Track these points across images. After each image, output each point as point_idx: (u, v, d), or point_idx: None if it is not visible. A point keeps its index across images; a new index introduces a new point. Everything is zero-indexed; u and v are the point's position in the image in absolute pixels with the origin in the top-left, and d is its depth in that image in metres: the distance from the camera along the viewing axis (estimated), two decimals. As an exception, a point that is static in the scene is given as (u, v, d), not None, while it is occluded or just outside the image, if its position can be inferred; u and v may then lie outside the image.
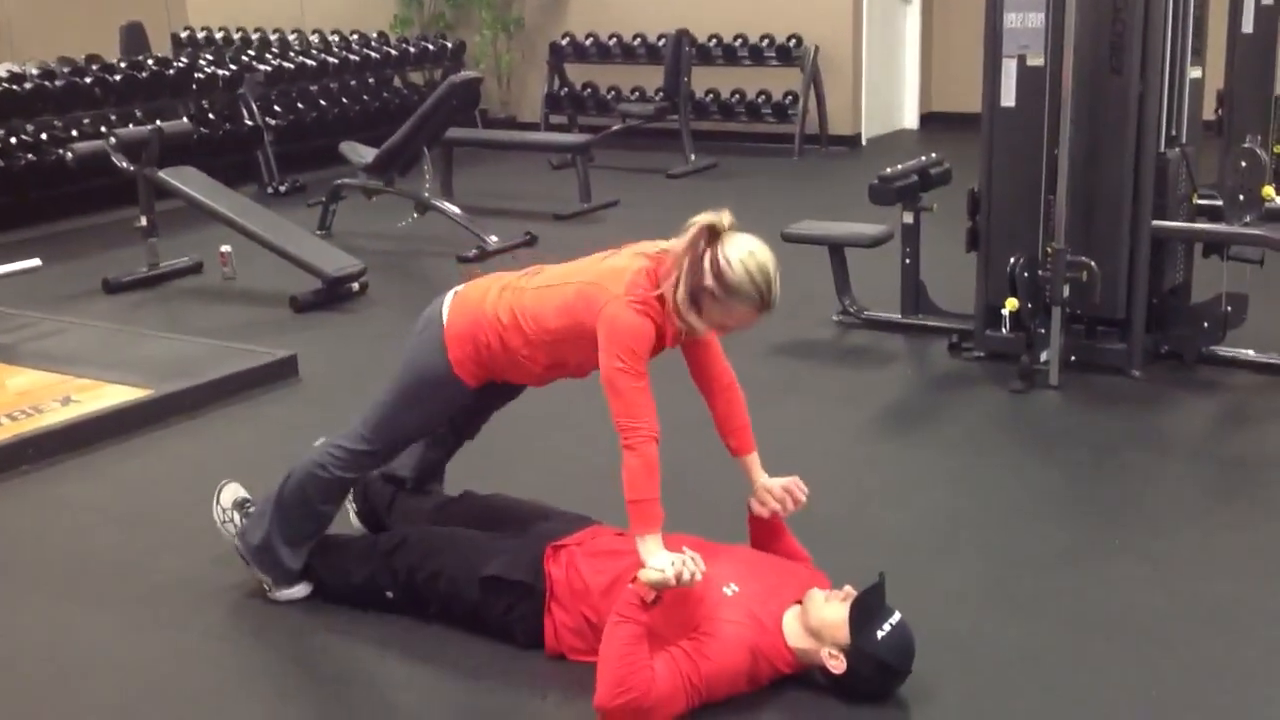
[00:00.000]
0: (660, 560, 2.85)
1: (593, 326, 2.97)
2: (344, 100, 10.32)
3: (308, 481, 3.36)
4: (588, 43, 11.21)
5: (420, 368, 3.24)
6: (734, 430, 3.26)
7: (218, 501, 3.60)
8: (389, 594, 3.32)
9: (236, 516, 3.55)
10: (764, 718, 2.90)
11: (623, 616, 2.86)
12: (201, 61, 9.71)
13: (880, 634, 2.86)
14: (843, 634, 2.87)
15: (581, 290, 3.04)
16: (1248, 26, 5.66)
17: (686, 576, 2.83)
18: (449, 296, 3.26)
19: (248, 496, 3.60)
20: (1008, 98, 5.03)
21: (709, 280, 2.90)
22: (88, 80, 8.68)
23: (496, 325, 3.13)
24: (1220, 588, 3.47)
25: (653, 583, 2.84)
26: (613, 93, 11.14)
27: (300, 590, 3.45)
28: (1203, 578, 3.53)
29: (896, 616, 2.89)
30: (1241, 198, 4.87)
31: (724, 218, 2.96)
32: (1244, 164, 4.82)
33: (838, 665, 2.88)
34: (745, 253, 2.92)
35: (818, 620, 2.91)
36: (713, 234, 2.93)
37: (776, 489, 3.21)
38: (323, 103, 10.17)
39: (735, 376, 3.27)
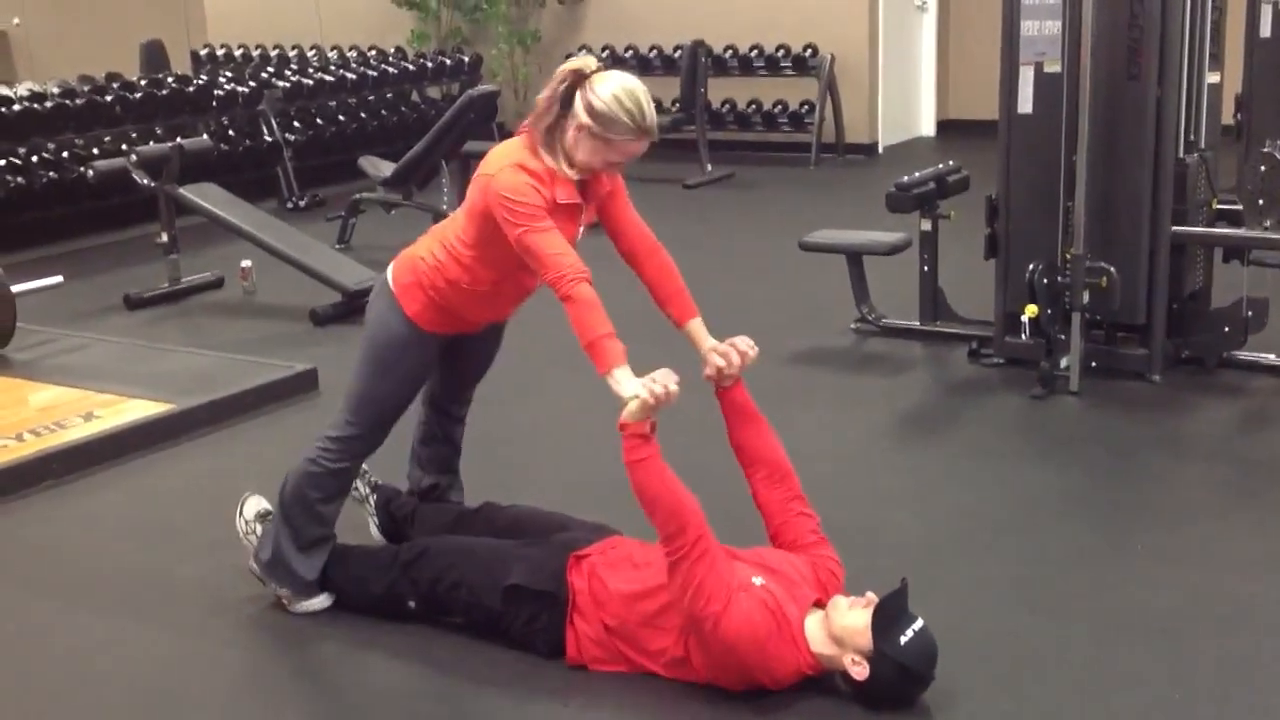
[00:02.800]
0: (631, 387, 2.90)
1: (493, 214, 3.06)
2: (362, 115, 10.36)
3: (303, 481, 3.39)
4: (604, 55, 11.21)
5: (381, 334, 3.30)
6: (669, 296, 3.26)
7: (241, 514, 3.62)
8: (410, 604, 3.33)
9: (259, 528, 3.57)
10: (786, 725, 2.90)
11: (635, 459, 2.91)
12: (221, 78, 9.77)
13: (903, 640, 2.85)
14: (865, 640, 2.87)
15: (475, 185, 3.15)
16: (1265, 31, 5.66)
17: (660, 391, 2.86)
18: (390, 264, 3.37)
19: (270, 509, 3.62)
20: (1025, 104, 5.03)
21: (584, 118, 3.01)
22: (108, 98, 8.74)
23: (433, 263, 3.24)
24: (1243, 588, 3.46)
25: (633, 413, 2.88)
26: (629, 104, 11.15)
27: (321, 602, 3.46)
28: (1225, 579, 3.52)
29: (919, 623, 2.89)
30: (1261, 202, 4.85)
31: (589, 61, 3.07)
32: (1263, 168, 4.80)
33: (861, 672, 2.87)
34: (614, 84, 3.02)
35: (840, 627, 2.91)
36: (579, 77, 3.04)
37: (721, 346, 3.19)
38: (341, 118, 10.21)
39: (659, 242, 3.29)
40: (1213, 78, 5.05)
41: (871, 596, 2.96)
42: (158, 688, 3.20)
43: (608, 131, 3.02)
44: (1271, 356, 5.08)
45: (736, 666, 2.91)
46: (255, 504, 3.64)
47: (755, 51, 10.71)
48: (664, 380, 2.89)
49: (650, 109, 3.05)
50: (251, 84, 9.69)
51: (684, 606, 2.90)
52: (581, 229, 3.21)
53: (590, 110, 3.01)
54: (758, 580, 2.98)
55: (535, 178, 3.06)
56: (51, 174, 8.26)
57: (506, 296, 3.31)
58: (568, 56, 11.33)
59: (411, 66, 10.91)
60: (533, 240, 3.01)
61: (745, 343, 3.20)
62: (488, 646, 3.23)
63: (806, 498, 3.25)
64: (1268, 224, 4.85)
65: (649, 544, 3.14)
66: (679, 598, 2.90)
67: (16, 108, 8.27)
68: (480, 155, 9.50)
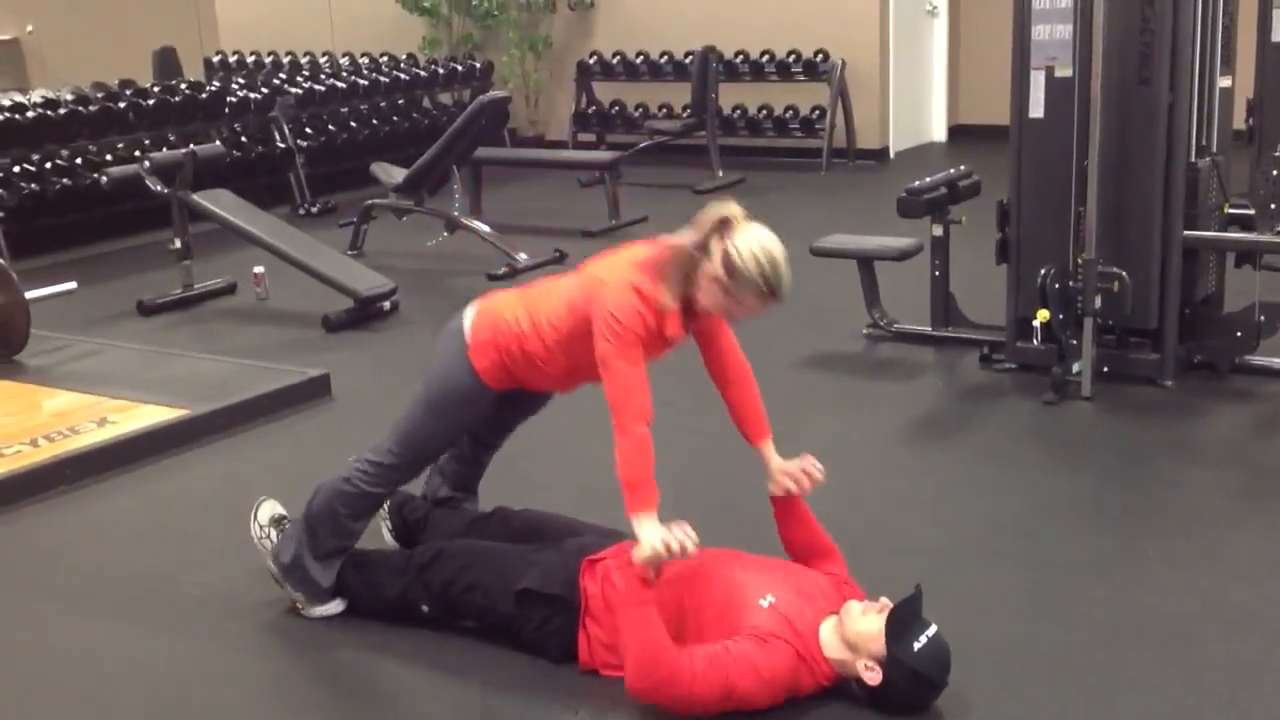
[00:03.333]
0: (650, 535, 2.88)
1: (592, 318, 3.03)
2: (374, 121, 10.38)
3: (335, 497, 3.39)
4: (615, 61, 11.25)
5: (446, 380, 3.29)
6: (748, 418, 3.28)
7: (255, 518, 3.63)
8: (424, 608, 3.34)
9: (273, 533, 3.58)
10: (799, 730, 2.90)
11: (629, 600, 2.91)
12: (234, 85, 9.81)
13: (917, 646, 2.85)
14: (879, 646, 2.87)
15: (583, 284, 3.11)
16: (1277, 35, 5.66)
17: (676, 547, 2.85)
18: (470, 310, 3.32)
19: (285, 513, 3.63)
20: (1036, 109, 5.03)
21: (718, 269, 2.95)
22: (121, 105, 8.77)
23: (516, 331, 3.20)
24: (1255, 594, 3.45)
25: (645, 559, 2.87)
26: (640, 110, 11.18)
27: (334, 606, 3.47)
28: (1237, 584, 3.51)
29: (933, 629, 2.89)
30: (1273, 206, 4.85)
31: (734, 208, 3.00)
32: (1275, 173, 4.80)
33: (874, 677, 2.88)
34: (755, 243, 2.96)
35: (854, 632, 2.91)
36: (724, 224, 2.97)
37: (792, 469, 3.22)
38: (353, 124, 10.24)
39: (749, 367, 3.29)
40: (1224, 82, 5.04)
41: (885, 602, 2.96)
42: (171, 693, 3.21)
43: (738, 289, 2.96)
44: (1284, 361, 5.08)
45: (763, 704, 2.92)
46: (270, 509, 3.65)
47: (766, 57, 10.71)
48: (682, 539, 2.88)
49: (787, 275, 2.98)
50: (264, 90, 9.72)
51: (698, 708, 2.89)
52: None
53: (727, 264, 2.94)
54: (765, 601, 2.98)
55: (647, 305, 3.00)
56: (65, 180, 8.29)
57: (576, 382, 3.29)
58: (578, 64, 11.43)
59: (423, 73, 10.94)
60: (617, 364, 2.97)
61: (813, 465, 3.23)
62: (500, 650, 3.24)
63: (846, 567, 3.26)
64: (1279, 228, 4.84)
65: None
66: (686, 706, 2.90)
67: (30, 114, 8.31)
68: (491, 162, 9.53)
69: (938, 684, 2.90)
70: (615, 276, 3.04)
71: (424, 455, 3.42)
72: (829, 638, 2.96)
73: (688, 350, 3.27)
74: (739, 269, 2.93)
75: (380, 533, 3.75)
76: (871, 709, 2.92)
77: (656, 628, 2.88)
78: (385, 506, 3.74)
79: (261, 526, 3.62)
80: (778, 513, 3.31)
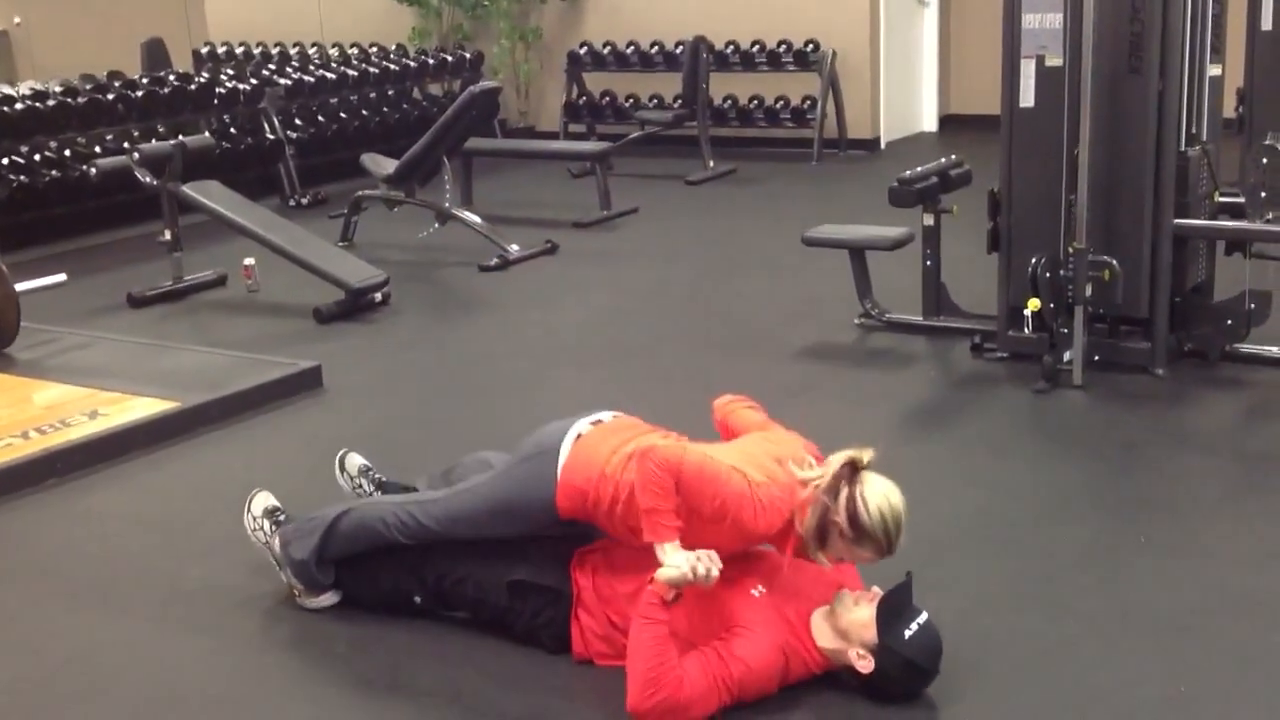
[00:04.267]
0: (677, 559, 2.86)
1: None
2: (364, 112, 10.37)
3: (364, 531, 3.36)
4: (605, 51, 11.23)
5: (523, 497, 3.19)
6: None
7: (248, 510, 3.62)
8: (416, 599, 3.34)
9: (267, 525, 3.58)
10: (793, 717, 2.90)
11: (645, 618, 2.88)
12: (223, 76, 9.78)
13: (908, 634, 2.86)
14: (870, 634, 2.88)
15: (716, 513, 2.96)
16: (1267, 24, 5.67)
17: (702, 572, 2.83)
18: (571, 435, 3.19)
19: (278, 505, 3.63)
20: (1027, 98, 5.03)
21: (841, 517, 2.89)
22: (110, 96, 8.75)
23: (614, 492, 3.06)
24: (1248, 581, 3.46)
25: (670, 580, 2.85)
26: (631, 100, 11.17)
27: (329, 598, 3.47)
28: (1230, 572, 3.53)
29: (924, 616, 2.90)
30: (1263, 194, 4.85)
31: (865, 454, 2.95)
32: (1265, 161, 4.80)
33: (866, 665, 2.88)
34: (881, 497, 2.90)
35: (846, 621, 2.92)
36: (853, 471, 2.93)
37: None
38: (343, 115, 10.22)
39: None
40: (1214, 70, 5.05)
41: (876, 590, 2.97)
42: (165, 685, 3.21)
43: (858, 542, 2.91)
44: (1274, 349, 5.09)
45: (756, 694, 2.93)
46: (263, 500, 3.65)
47: (757, 47, 10.70)
48: (708, 565, 2.84)
49: (903, 534, 2.92)
50: (253, 81, 9.69)
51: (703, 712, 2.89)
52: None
53: (852, 517, 2.88)
54: (756, 592, 2.99)
55: (762, 509, 2.92)
56: (54, 173, 8.27)
57: (645, 551, 3.07)
58: (569, 54, 11.41)
59: (413, 63, 10.92)
60: (690, 459, 2.90)
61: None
62: (495, 641, 3.24)
63: None
64: (1270, 217, 4.85)
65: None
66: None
67: (19, 107, 8.28)
68: (481, 153, 9.51)
69: (929, 672, 2.91)
70: (760, 478, 2.95)
71: (465, 539, 3.32)
72: (821, 627, 2.97)
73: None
74: (864, 525, 2.88)
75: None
76: (864, 697, 2.93)
77: (667, 650, 2.84)
78: (368, 483, 3.77)
79: (255, 518, 3.61)
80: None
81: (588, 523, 3.18)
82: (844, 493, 2.90)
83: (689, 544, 2.89)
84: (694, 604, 2.97)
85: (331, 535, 3.39)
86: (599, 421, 3.25)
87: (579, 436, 3.19)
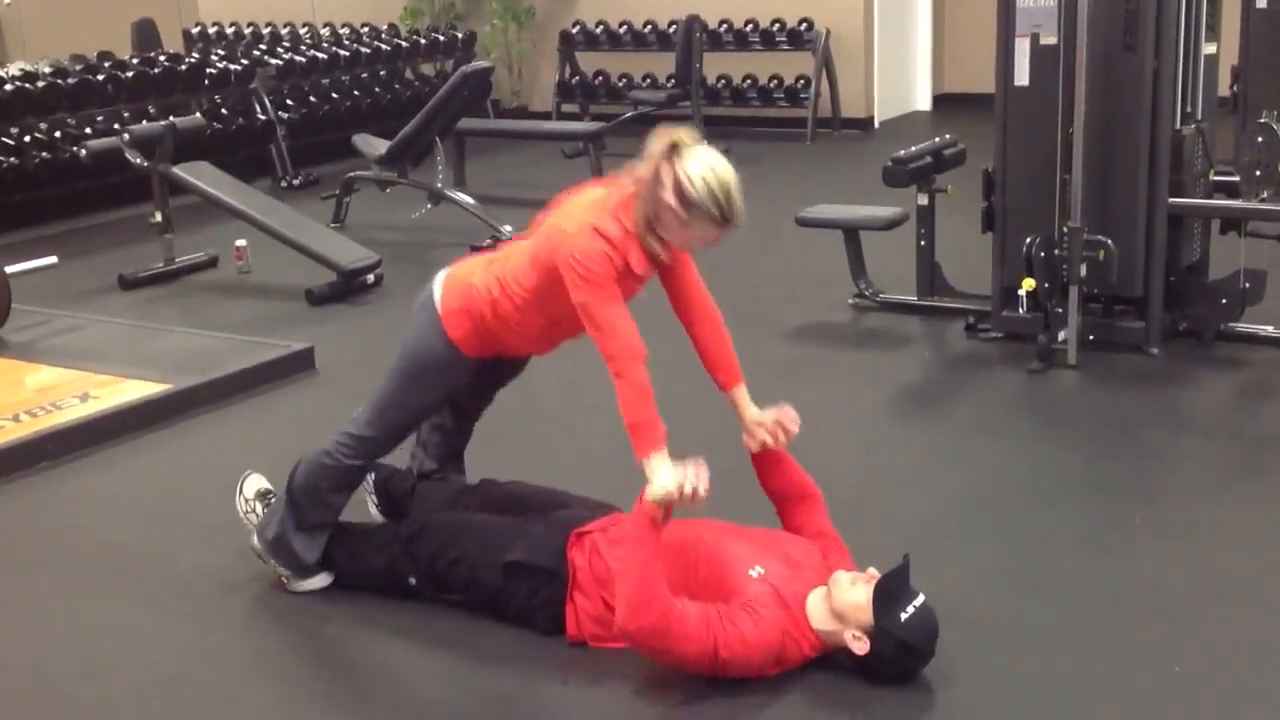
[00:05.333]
0: (664, 477, 2.86)
1: (559, 268, 3.00)
2: (356, 93, 10.32)
3: (316, 471, 3.38)
4: (598, 30, 11.19)
5: (421, 351, 3.27)
6: (718, 363, 3.24)
7: (241, 493, 3.62)
8: (411, 580, 3.33)
9: (259, 507, 3.57)
10: (788, 699, 2.90)
11: (637, 540, 2.88)
12: (213, 57, 9.73)
13: (904, 616, 2.85)
14: (866, 616, 2.87)
15: (545, 235, 3.07)
16: (1262, 2, 5.64)
17: (689, 489, 2.84)
18: (439, 278, 3.30)
19: (270, 488, 3.62)
20: (1021, 77, 5.01)
21: (670, 197, 2.90)
22: (100, 77, 8.70)
23: (487, 297, 3.16)
24: (1242, 563, 3.46)
25: (658, 499, 2.86)
26: (624, 80, 11.13)
27: (320, 581, 3.46)
28: (1224, 554, 3.52)
29: (920, 599, 2.89)
30: (1258, 173, 4.84)
31: (682, 133, 2.95)
32: (1260, 139, 4.79)
33: (862, 647, 2.88)
34: (705, 168, 2.91)
35: (841, 602, 2.91)
36: (673, 150, 2.92)
37: (767, 421, 3.18)
38: (335, 96, 10.17)
39: (716, 307, 3.26)
40: (1209, 49, 5.03)
41: (873, 572, 2.96)
42: (158, 669, 3.20)
43: (691, 217, 2.91)
44: (1269, 328, 5.08)
45: (751, 673, 2.92)
46: (255, 483, 3.64)
47: (751, 26, 10.66)
48: (694, 481, 2.85)
49: (739, 198, 2.93)
50: (244, 62, 9.65)
51: (681, 664, 2.89)
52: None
53: (678, 192, 2.88)
54: (755, 572, 2.98)
55: (611, 245, 2.95)
56: (44, 154, 8.23)
57: (556, 339, 3.26)
58: (561, 34, 11.35)
59: (404, 43, 10.87)
60: (596, 309, 2.94)
61: (791, 417, 3.19)
62: (488, 624, 3.23)
63: (831, 523, 3.25)
64: (1264, 195, 4.83)
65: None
66: (673, 660, 2.89)
67: (9, 88, 8.24)
68: (474, 133, 9.48)
69: (925, 653, 2.90)
70: (575, 222, 2.99)
71: (402, 427, 3.40)
72: (817, 608, 2.96)
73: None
74: (691, 196, 2.88)
75: (367, 508, 3.73)
76: (860, 679, 2.93)
77: (657, 572, 2.86)
78: (370, 482, 3.73)
79: (247, 501, 3.60)
80: (755, 463, 3.28)
81: (495, 352, 3.25)
82: (667, 172, 2.89)
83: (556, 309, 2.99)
84: (696, 585, 2.96)
85: (292, 499, 3.39)
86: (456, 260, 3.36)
87: (447, 275, 3.28)
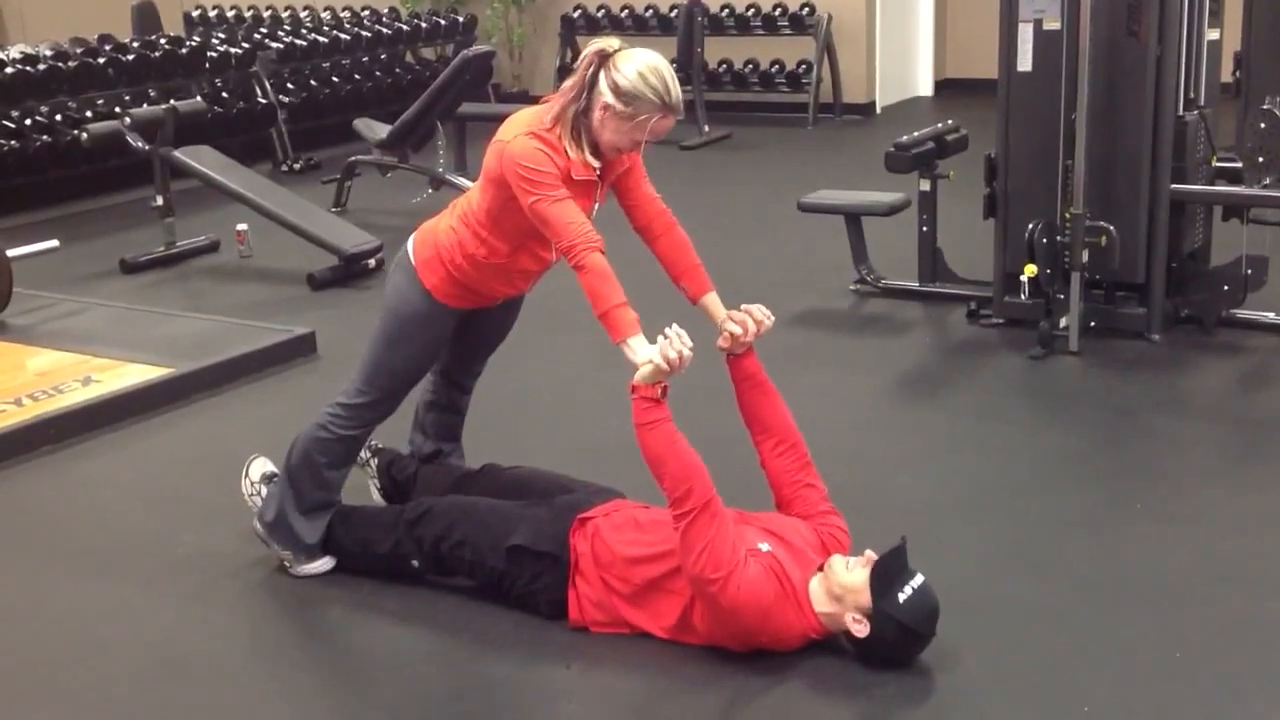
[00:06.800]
0: (646, 353, 2.91)
1: (507, 181, 3.05)
2: (357, 77, 10.30)
3: (312, 446, 3.39)
4: (599, 14, 11.16)
5: (401, 307, 3.31)
6: (684, 271, 3.26)
7: (246, 476, 3.63)
8: (414, 563, 3.34)
9: (264, 490, 3.57)
10: (789, 683, 2.90)
11: (647, 422, 2.91)
12: (214, 40, 9.72)
13: (903, 598, 2.86)
14: (865, 598, 2.87)
15: (491, 152, 3.13)
16: (1265, -13, 5.62)
17: (674, 354, 2.86)
18: (411, 237, 3.36)
19: (276, 471, 3.62)
20: (1024, 63, 5.00)
21: (609, 97, 2.99)
22: (101, 61, 8.68)
23: (452, 237, 3.23)
24: (1242, 548, 3.47)
25: (647, 377, 2.89)
26: (625, 65, 11.08)
27: (323, 564, 3.47)
28: (1224, 538, 3.53)
29: (919, 579, 2.89)
30: (1260, 159, 4.84)
31: (610, 41, 3.04)
32: (1263, 125, 4.78)
33: (861, 629, 2.88)
34: (639, 63, 3.00)
35: (840, 585, 2.92)
36: (603, 57, 3.02)
37: (736, 314, 3.18)
38: (335, 80, 10.16)
39: (674, 218, 3.29)
40: (1212, 35, 5.02)
41: (871, 555, 2.97)
42: (160, 653, 3.21)
43: (634, 110, 2.99)
44: (1270, 315, 5.08)
45: (741, 629, 2.92)
46: (261, 466, 3.65)
47: (752, 10, 10.65)
48: (677, 345, 2.86)
49: (675, 85, 3.02)
50: (245, 45, 9.63)
51: (690, 568, 2.90)
52: (598, 204, 3.19)
53: (615, 89, 2.98)
54: (764, 546, 2.99)
55: (550, 146, 3.04)
56: (45, 137, 8.21)
57: (523, 269, 3.29)
58: (562, 18, 11.32)
59: (405, 27, 10.85)
60: (547, 209, 3.00)
61: (761, 311, 3.19)
62: (490, 608, 3.24)
63: (814, 466, 3.25)
64: (1267, 182, 4.83)
65: (653, 507, 3.15)
66: (686, 560, 2.90)
67: (9, 71, 8.22)
68: (475, 118, 9.45)
69: (924, 635, 2.91)
70: (513, 132, 3.07)
71: (393, 389, 3.40)
72: (816, 591, 2.97)
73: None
74: (628, 90, 2.97)
75: (370, 492, 3.74)
76: (860, 662, 2.93)
77: (681, 441, 2.91)
78: (374, 466, 3.74)
79: (253, 484, 3.61)
80: (734, 376, 3.27)
81: (473, 299, 3.30)
82: (604, 77, 3.00)
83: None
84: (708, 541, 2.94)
85: (290, 478, 3.41)
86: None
87: (416, 231, 3.36)
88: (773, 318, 3.19)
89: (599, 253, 2.98)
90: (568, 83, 3.07)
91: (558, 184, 3.01)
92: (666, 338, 2.88)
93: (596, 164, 3.09)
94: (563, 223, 2.99)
